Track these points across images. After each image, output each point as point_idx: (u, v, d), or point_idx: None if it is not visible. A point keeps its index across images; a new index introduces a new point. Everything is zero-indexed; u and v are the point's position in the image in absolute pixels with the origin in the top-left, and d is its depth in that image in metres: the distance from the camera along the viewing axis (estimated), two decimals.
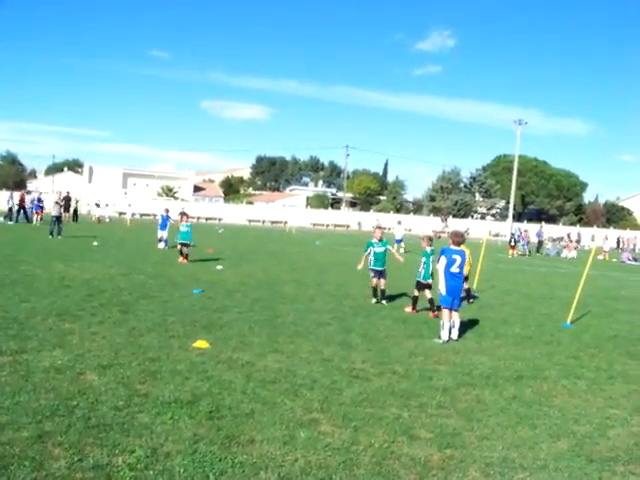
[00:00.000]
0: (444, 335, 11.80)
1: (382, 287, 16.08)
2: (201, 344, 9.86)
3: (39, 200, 45.12)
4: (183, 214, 25.19)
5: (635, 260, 50.29)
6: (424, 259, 14.90)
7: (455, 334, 11.96)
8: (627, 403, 8.46)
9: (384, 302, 15.95)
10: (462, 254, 12.18)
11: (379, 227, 17.31)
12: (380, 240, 16.24)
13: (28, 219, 44.58)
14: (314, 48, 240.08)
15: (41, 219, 43.27)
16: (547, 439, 6.83)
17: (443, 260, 11.98)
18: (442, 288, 11.96)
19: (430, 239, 15.23)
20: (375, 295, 16.15)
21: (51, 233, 31.73)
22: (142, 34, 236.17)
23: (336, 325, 12.52)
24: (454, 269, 11.96)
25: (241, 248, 33.94)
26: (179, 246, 23.86)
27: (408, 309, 15.09)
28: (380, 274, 16.03)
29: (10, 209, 45.17)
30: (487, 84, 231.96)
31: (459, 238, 12.38)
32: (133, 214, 62.11)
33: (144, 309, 12.71)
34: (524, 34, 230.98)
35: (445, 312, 11.94)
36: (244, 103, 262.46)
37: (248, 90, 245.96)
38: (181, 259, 23.42)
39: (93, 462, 5.37)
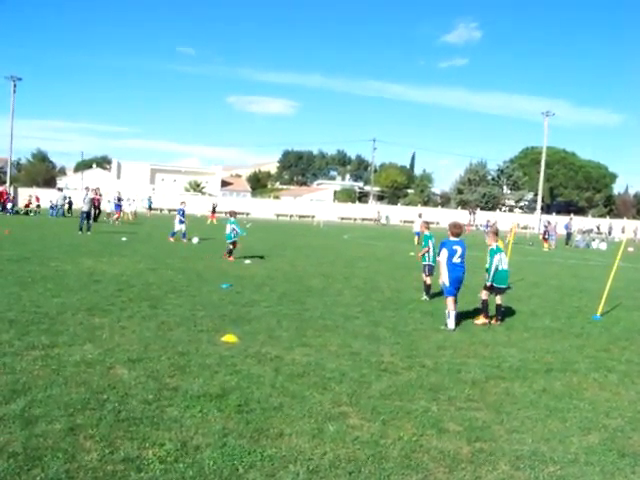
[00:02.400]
0: (451, 324, 12.08)
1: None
2: (230, 338, 9.90)
3: (119, 199, 45.00)
4: (233, 212, 24.83)
5: None
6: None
7: (452, 324, 12.15)
8: None
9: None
10: (462, 244, 12.52)
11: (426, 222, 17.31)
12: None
13: (96, 218, 43.42)
14: (340, 42, 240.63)
15: (117, 219, 43.69)
16: (578, 432, 6.76)
17: (445, 252, 12.26)
18: (446, 279, 12.28)
19: (496, 234, 14.26)
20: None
21: (80, 229, 32.03)
22: (169, 31, 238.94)
23: (364, 319, 12.51)
24: (456, 259, 12.30)
25: (269, 242, 34.01)
26: (230, 245, 23.44)
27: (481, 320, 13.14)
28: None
29: (88, 210, 43.95)
30: (514, 76, 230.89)
31: (458, 229, 12.75)
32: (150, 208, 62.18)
33: (173, 303, 12.80)
34: (551, 24, 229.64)
35: (450, 301, 12.20)
36: (270, 97, 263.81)
37: (274, 85, 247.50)
38: (226, 256, 23.08)
39: (124, 455, 5.42)
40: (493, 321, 13.05)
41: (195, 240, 29.61)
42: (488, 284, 13.18)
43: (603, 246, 50.88)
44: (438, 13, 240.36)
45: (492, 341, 11.17)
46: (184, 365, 8.32)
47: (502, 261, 13.16)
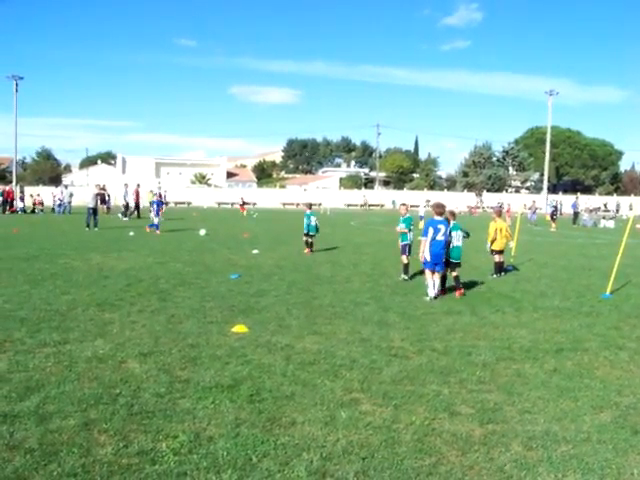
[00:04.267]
0: (431, 292, 13.31)
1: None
2: (240, 329, 9.93)
3: (159, 196, 45.08)
4: (309, 204, 24.48)
5: None
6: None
7: (432, 292, 13.34)
8: None
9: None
10: (445, 223, 13.62)
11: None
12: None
13: (139, 215, 43.97)
14: (340, 28, 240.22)
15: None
16: (590, 411, 6.77)
17: (430, 230, 13.35)
18: (427, 255, 13.38)
19: (453, 214, 14.69)
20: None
21: (87, 225, 32.12)
22: (169, 23, 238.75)
23: (373, 305, 12.53)
24: (439, 237, 13.38)
25: (276, 232, 34.04)
26: (305, 237, 23.07)
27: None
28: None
29: (126, 205, 43.76)
30: (517, 56, 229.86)
31: (440, 209, 13.83)
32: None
33: (182, 296, 12.84)
34: (552, 2, 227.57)
35: (428, 273, 13.49)
36: (273, 87, 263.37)
37: (276, 74, 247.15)
38: (306, 250, 22.71)
39: (138, 448, 5.45)
40: (456, 293, 13.89)
41: (202, 232, 29.63)
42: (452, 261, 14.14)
43: (611, 224, 50.73)
44: None
45: (502, 323, 11.18)
46: (195, 357, 8.36)
47: (457, 238, 14.15)
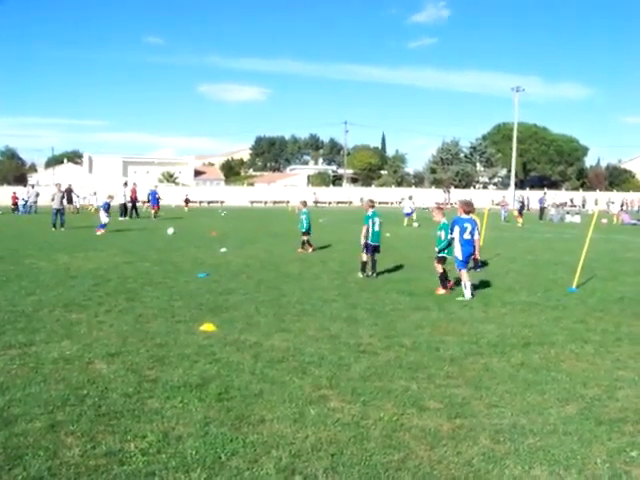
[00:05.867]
0: (468, 294, 13.08)
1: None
2: (208, 327, 9.90)
3: (154, 194, 44.84)
4: (303, 202, 24.23)
5: (638, 221, 50.05)
6: (441, 232, 14.21)
7: (468, 294, 13.14)
8: (635, 364, 8.46)
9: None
10: (472, 222, 13.49)
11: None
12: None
13: (137, 214, 43.93)
14: (308, 26, 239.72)
15: (155, 213, 43.69)
16: (556, 404, 6.85)
17: (457, 229, 13.33)
18: (459, 254, 13.35)
19: (440, 209, 14.98)
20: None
21: (54, 225, 31.77)
22: (136, 21, 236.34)
23: (342, 301, 12.55)
24: (466, 236, 13.29)
25: (244, 230, 33.95)
26: (302, 236, 22.78)
27: (442, 291, 13.76)
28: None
29: (124, 205, 43.11)
30: (484, 53, 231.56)
31: (469, 207, 13.77)
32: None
33: (150, 295, 12.75)
34: (519, 0, 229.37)
35: (464, 273, 13.28)
36: (241, 85, 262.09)
37: (244, 72, 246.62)
38: (300, 249, 22.45)
39: (106, 449, 5.41)
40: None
41: (170, 231, 29.44)
42: (439, 256, 14.10)
43: (577, 219, 51.36)
44: None
45: (470, 318, 11.26)
46: (163, 356, 8.31)
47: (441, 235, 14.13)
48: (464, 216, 13.56)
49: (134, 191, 44.04)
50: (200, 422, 6.05)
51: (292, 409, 6.47)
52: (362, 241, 16.21)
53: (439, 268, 13.93)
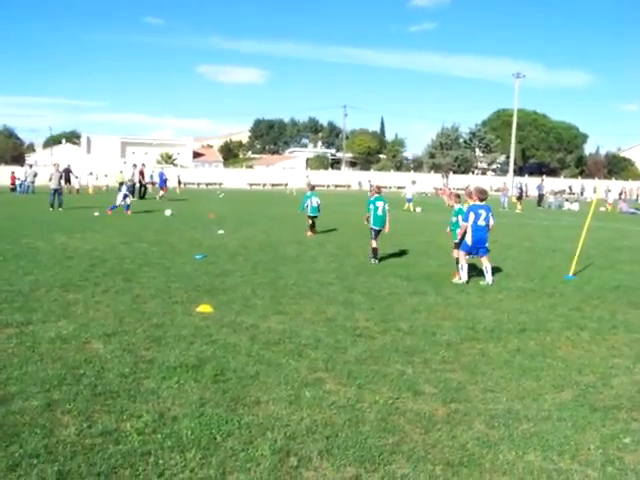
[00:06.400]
0: (464, 275, 13.24)
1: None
2: (205, 308, 9.91)
3: (162, 175, 45.09)
4: (311, 185, 24.33)
5: (636, 210, 50.08)
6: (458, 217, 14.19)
7: (490, 278, 13.28)
8: (630, 352, 8.49)
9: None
10: (487, 208, 13.47)
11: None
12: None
13: (142, 195, 43.82)
14: (309, 8, 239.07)
15: (162, 195, 43.64)
16: (551, 390, 6.88)
17: (472, 215, 13.27)
18: (468, 239, 13.29)
19: (457, 196, 14.98)
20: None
21: (51, 205, 31.71)
22: (137, 1, 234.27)
23: (339, 285, 12.56)
24: (480, 222, 13.28)
25: (242, 212, 33.93)
26: (309, 220, 22.78)
27: (457, 278, 13.59)
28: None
29: (133, 185, 42.22)
30: (485, 39, 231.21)
31: (483, 195, 13.77)
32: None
33: (147, 276, 12.76)
34: None
35: (462, 255, 13.33)
36: (241, 67, 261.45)
37: (244, 54, 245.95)
38: (309, 233, 22.35)
39: (102, 428, 5.42)
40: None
41: (168, 213, 29.45)
42: (456, 242, 13.98)
43: (575, 207, 51.39)
44: None
45: (466, 303, 11.28)
46: (160, 337, 8.32)
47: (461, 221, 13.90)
48: (479, 203, 13.51)
49: (142, 172, 43.92)
50: (196, 403, 6.07)
51: (288, 391, 6.49)
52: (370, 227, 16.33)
53: (456, 254, 13.84)
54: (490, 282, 13.15)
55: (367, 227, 16.36)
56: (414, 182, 43.20)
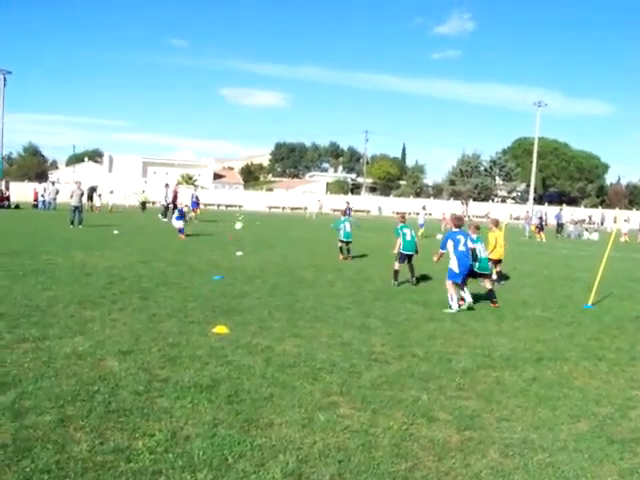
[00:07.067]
0: (455, 305, 13.03)
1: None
2: (220, 329, 9.90)
3: (196, 197, 45.36)
4: (344, 211, 24.63)
5: None
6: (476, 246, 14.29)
7: (469, 297, 13.35)
8: None
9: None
10: (464, 234, 13.72)
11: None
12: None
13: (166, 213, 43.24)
14: (332, 33, 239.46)
15: (194, 216, 43.02)
16: (567, 420, 6.80)
17: (450, 243, 13.52)
18: (455, 267, 13.31)
19: (477, 227, 14.97)
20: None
21: (72, 222, 31.94)
22: (161, 23, 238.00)
23: (355, 309, 12.53)
24: (461, 247, 13.41)
25: (261, 235, 33.99)
26: (340, 244, 22.66)
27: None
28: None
29: (166, 206, 43.03)
30: (507, 67, 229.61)
31: (459, 221, 14.19)
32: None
33: (164, 295, 12.78)
34: (544, 15, 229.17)
35: (451, 285, 13.26)
36: (263, 90, 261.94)
37: (267, 77, 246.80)
38: (341, 257, 22.32)
39: (114, 445, 5.42)
40: (491, 304, 13.90)
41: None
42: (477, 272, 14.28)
43: (595, 236, 51.09)
44: (432, 4, 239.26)
45: (483, 331, 11.21)
46: (175, 356, 8.32)
47: (481, 250, 14.33)
48: (455, 229, 13.88)
49: (175, 193, 44.16)
50: (209, 423, 6.05)
51: (301, 414, 6.46)
52: (395, 251, 16.96)
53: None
54: (456, 309, 13.03)
55: (384, 252, 16.45)
56: (424, 208, 43.29)
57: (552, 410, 7.10)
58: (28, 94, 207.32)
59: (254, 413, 6.41)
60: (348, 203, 44.57)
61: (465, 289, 13.49)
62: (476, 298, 13.70)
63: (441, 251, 13.83)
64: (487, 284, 14.29)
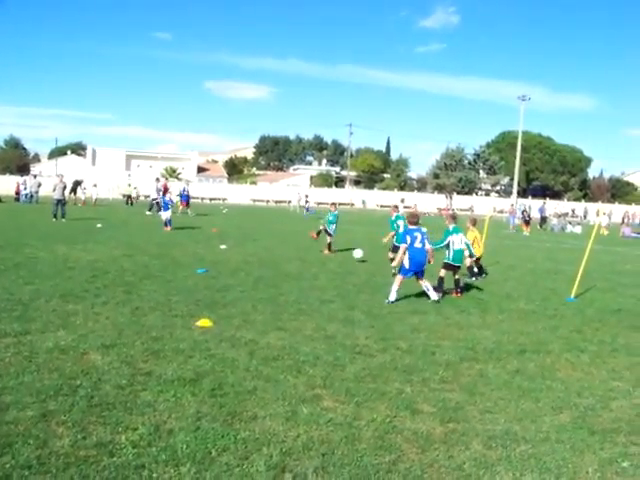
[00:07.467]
0: (392, 296, 12.94)
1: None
2: (204, 323, 9.87)
3: (187, 192, 45.32)
4: (333, 204, 24.49)
5: (639, 234, 50.06)
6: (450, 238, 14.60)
7: (434, 295, 13.27)
8: (630, 375, 8.45)
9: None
10: (420, 231, 13.59)
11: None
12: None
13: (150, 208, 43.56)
14: (318, 27, 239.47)
15: (185, 210, 43.31)
16: (550, 412, 6.84)
17: (408, 239, 13.42)
18: (406, 263, 13.31)
19: (454, 217, 15.12)
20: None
21: (54, 216, 31.78)
22: (145, 16, 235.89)
23: (339, 302, 12.53)
24: (417, 244, 13.35)
25: (245, 228, 33.94)
26: (328, 238, 22.74)
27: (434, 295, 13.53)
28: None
29: (155, 199, 42.70)
30: (492, 61, 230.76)
31: (414, 219, 14.07)
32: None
33: (147, 289, 12.73)
34: (528, 9, 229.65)
35: (399, 279, 13.23)
36: (248, 83, 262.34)
37: (252, 70, 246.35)
38: (326, 251, 22.27)
39: (96, 440, 5.39)
40: (453, 294, 14.27)
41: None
42: (445, 262, 14.60)
43: (578, 229, 51.42)
44: None
45: (467, 323, 11.25)
46: (158, 350, 8.29)
47: (459, 241, 14.61)
48: (412, 227, 13.77)
49: (166, 187, 44.03)
50: (192, 417, 6.03)
51: (285, 407, 6.45)
52: (385, 240, 17.66)
53: (443, 273, 14.38)
54: (437, 298, 13.21)
55: (368, 245, 16.42)
56: (403, 200, 43.30)
57: (535, 402, 7.14)
58: (9, 87, 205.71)
59: (238, 406, 6.39)
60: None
61: (427, 285, 13.45)
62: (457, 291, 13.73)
63: (403, 245, 13.46)
64: (455, 275, 14.51)
